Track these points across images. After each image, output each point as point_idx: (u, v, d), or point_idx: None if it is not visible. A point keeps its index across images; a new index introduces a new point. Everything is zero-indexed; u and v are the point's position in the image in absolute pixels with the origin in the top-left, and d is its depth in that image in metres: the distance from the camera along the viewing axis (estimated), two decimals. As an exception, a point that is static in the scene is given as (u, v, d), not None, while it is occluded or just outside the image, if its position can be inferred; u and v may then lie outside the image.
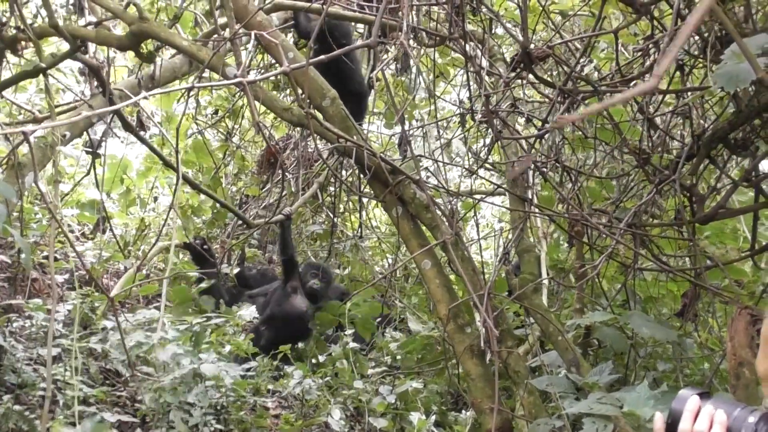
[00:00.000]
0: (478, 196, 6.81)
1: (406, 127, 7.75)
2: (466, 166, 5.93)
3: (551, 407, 4.57)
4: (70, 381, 4.58)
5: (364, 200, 8.68)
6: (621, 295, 5.62)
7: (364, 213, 9.05)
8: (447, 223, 4.86)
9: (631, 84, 4.80)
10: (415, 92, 7.93)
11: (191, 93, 7.19)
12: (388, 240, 8.91)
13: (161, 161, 6.09)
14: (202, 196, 7.57)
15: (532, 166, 5.31)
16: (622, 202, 5.35)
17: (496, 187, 6.35)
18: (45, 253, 5.93)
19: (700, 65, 4.75)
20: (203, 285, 6.41)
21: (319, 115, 4.93)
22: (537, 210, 5.57)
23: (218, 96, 8.71)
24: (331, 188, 8.80)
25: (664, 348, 5.40)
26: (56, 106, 5.81)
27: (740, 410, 2.07)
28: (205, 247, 6.96)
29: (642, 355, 5.35)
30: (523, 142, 5.46)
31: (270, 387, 5.55)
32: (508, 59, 5.72)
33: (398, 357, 6.42)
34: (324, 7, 4.59)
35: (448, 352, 5.45)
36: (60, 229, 4.76)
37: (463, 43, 5.00)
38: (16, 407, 4.40)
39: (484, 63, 5.49)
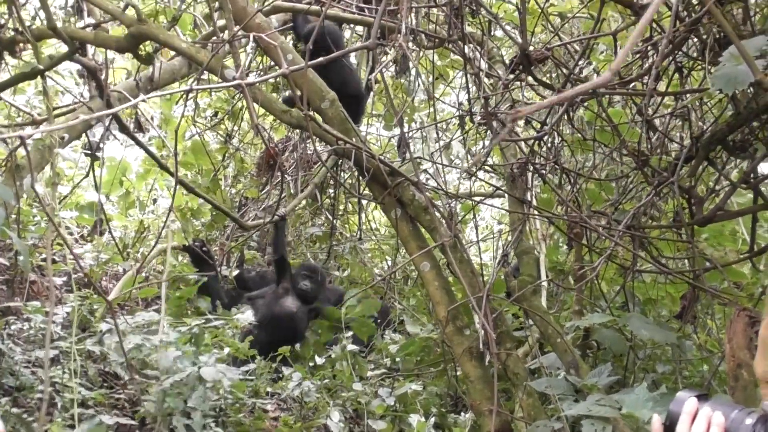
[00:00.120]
0: (477, 198, 6.80)
1: (405, 129, 7.75)
2: (465, 168, 5.92)
3: (550, 409, 4.57)
4: (68, 383, 4.57)
5: (364, 202, 8.68)
6: (620, 297, 5.62)
7: (363, 215, 9.05)
8: (446, 225, 4.85)
9: (630, 86, 4.80)
10: (414, 94, 7.93)
11: (190, 95, 7.19)
12: (388, 242, 8.90)
13: (158, 165, 6.09)
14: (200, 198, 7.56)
15: (531, 169, 5.31)
16: (621, 204, 5.35)
17: (495, 189, 6.34)
18: (43, 256, 5.93)
19: (699, 67, 4.75)
20: (200, 282, 6.41)
21: (319, 117, 4.93)
22: (536, 212, 5.57)
23: (218, 98, 8.70)
24: (330, 190, 8.80)
25: (663, 350, 5.40)
26: (55, 108, 5.80)
27: (738, 412, 2.07)
28: (204, 249, 6.96)
29: (641, 357, 5.35)
30: (522, 143, 5.46)
31: (269, 389, 5.54)
32: (507, 61, 5.71)
33: (397, 359, 6.42)
34: (323, 9, 4.59)
35: (447, 354, 5.44)
36: (57, 232, 4.75)
37: (462, 45, 5.00)
38: (14, 410, 4.40)
39: (483, 65, 5.49)
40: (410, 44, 5.84)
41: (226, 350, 5.30)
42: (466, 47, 5.07)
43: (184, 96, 6.97)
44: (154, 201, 8.94)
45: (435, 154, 6.65)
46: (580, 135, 5.76)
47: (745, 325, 3.59)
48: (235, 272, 7.43)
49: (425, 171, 5.74)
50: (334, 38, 6.29)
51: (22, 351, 4.97)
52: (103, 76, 5.50)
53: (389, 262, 8.63)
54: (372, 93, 8.04)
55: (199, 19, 6.82)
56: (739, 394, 3.51)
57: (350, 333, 5.99)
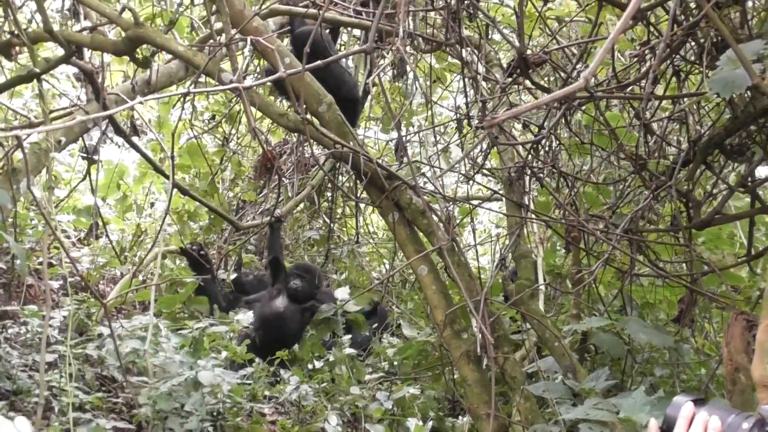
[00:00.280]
0: (474, 202, 6.80)
1: (403, 133, 7.75)
2: (463, 172, 5.91)
3: (548, 413, 4.57)
4: (65, 387, 4.56)
5: (361, 205, 8.68)
6: (618, 301, 5.61)
7: (360, 218, 9.06)
8: (443, 229, 4.85)
9: (627, 90, 4.80)
10: (411, 98, 7.93)
11: (187, 98, 7.19)
12: (385, 245, 8.90)
13: (153, 168, 6.08)
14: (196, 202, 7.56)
15: (529, 172, 5.31)
16: (619, 207, 5.34)
17: (492, 192, 6.34)
18: (40, 259, 5.92)
19: (696, 71, 4.75)
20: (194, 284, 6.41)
21: (316, 121, 4.92)
22: (534, 216, 5.56)
23: (215, 101, 8.71)
24: (328, 194, 8.80)
25: (660, 353, 5.39)
26: (51, 112, 5.80)
27: (735, 416, 2.07)
28: (201, 252, 6.95)
29: (639, 361, 5.34)
30: (520, 147, 5.46)
31: (266, 393, 5.53)
32: (505, 65, 5.71)
33: (395, 363, 6.41)
34: (320, 12, 4.59)
35: (445, 357, 5.44)
36: (54, 235, 4.75)
37: (459, 48, 5.00)
38: (11, 414, 4.39)
39: (481, 69, 5.49)
40: (408, 48, 5.84)
41: (224, 354, 5.30)
42: (463, 51, 5.07)
43: (182, 99, 6.96)
44: (152, 204, 8.95)
45: (433, 158, 6.65)
46: (577, 138, 5.76)
47: (742, 329, 3.58)
48: (233, 276, 7.42)
49: (423, 174, 5.73)
50: (327, 40, 6.29)
51: (19, 355, 4.96)
52: (99, 80, 5.49)
53: (387, 266, 8.63)
54: (370, 96, 8.05)
55: (196, 22, 6.82)
56: (737, 397, 3.50)
57: (348, 336, 5.98)
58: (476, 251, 6.52)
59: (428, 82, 7.03)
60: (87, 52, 5.69)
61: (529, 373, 5.16)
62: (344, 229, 9.28)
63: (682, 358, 5.30)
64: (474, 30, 5.82)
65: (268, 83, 6.27)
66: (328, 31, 7.13)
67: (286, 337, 6.47)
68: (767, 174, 5.08)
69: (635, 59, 5.00)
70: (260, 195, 8.67)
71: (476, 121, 5.25)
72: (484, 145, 5.83)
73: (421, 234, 4.99)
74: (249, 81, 6.36)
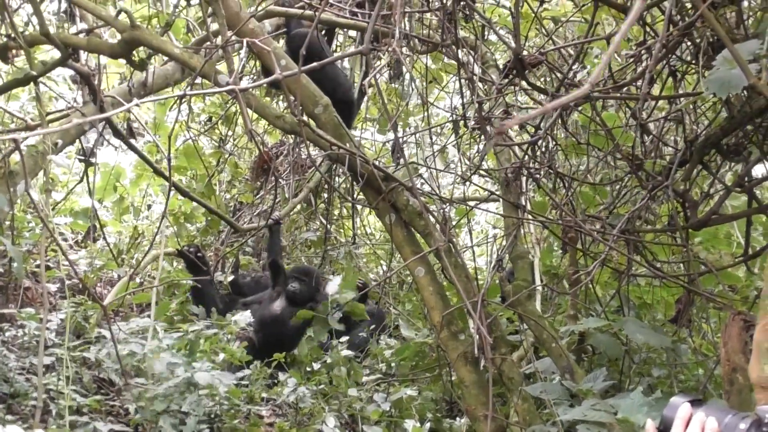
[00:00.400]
0: (471, 203, 6.80)
1: (400, 134, 7.75)
2: (459, 173, 5.92)
3: (545, 414, 4.57)
4: (62, 390, 4.56)
5: (358, 207, 8.68)
6: (615, 301, 5.61)
7: (358, 219, 9.05)
8: (440, 230, 4.85)
9: (624, 90, 4.80)
10: (408, 99, 7.94)
11: (183, 100, 7.18)
12: (382, 247, 8.90)
13: (152, 169, 6.08)
14: (196, 203, 7.55)
15: (525, 173, 5.31)
16: (616, 208, 5.35)
17: (489, 193, 6.34)
18: (37, 262, 5.92)
19: (693, 71, 4.75)
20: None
21: (312, 123, 4.92)
22: (530, 216, 5.56)
23: (211, 103, 8.71)
24: (325, 195, 8.80)
25: (658, 354, 5.39)
26: (48, 114, 5.79)
27: (732, 417, 2.07)
28: (198, 254, 6.95)
29: (636, 362, 5.34)
30: (516, 148, 5.46)
31: (264, 395, 5.53)
32: (501, 66, 5.71)
33: (392, 364, 6.41)
34: (316, 14, 4.59)
35: (442, 359, 5.43)
36: (51, 238, 4.74)
37: (455, 49, 4.99)
38: (9, 417, 4.39)
39: (477, 70, 5.49)
40: (404, 49, 5.84)
41: (222, 356, 5.30)
42: (459, 52, 5.07)
43: (178, 101, 6.96)
44: (149, 206, 8.94)
45: (429, 159, 6.65)
46: (574, 139, 5.76)
47: (740, 329, 3.59)
48: (230, 278, 7.42)
49: (420, 176, 5.74)
50: (315, 44, 6.30)
51: (17, 358, 4.95)
52: (96, 82, 5.49)
53: (384, 267, 8.63)
54: (366, 98, 8.05)
55: (192, 23, 6.82)
56: (735, 398, 3.51)
57: (345, 338, 5.98)
58: (473, 252, 6.54)
59: (424, 83, 7.03)
60: (83, 55, 5.69)
61: (526, 374, 5.16)
62: (341, 230, 9.28)
63: (680, 359, 5.30)
64: (470, 31, 5.82)
65: (264, 85, 6.27)
66: (324, 32, 7.13)
67: (285, 339, 6.46)
68: (764, 174, 5.08)
69: (631, 59, 5.00)
70: (257, 196, 8.67)
71: (472, 122, 5.25)
72: (482, 146, 5.83)
73: (418, 235, 4.99)
74: (245, 82, 6.37)
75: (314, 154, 6.89)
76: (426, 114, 6.52)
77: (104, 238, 7.12)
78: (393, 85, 8.17)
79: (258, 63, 7.33)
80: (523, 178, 5.48)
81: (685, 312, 5.18)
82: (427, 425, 5.35)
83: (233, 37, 4.87)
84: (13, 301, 5.81)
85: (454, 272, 4.67)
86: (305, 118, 4.80)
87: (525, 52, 4.83)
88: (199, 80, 5.32)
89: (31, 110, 7.47)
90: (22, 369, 4.90)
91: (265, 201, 8.52)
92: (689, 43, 4.51)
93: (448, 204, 5.48)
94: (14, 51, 5.44)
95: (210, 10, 5.23)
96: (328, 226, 8.70)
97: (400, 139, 6.97)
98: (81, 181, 6.73)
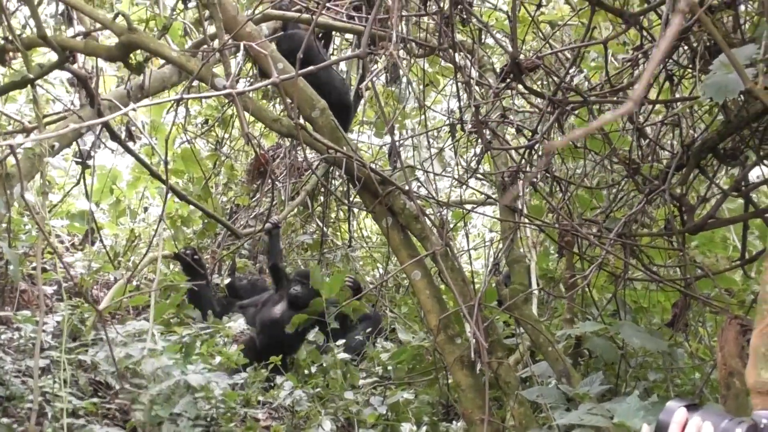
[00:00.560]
0: (468, 207, 6.80)
1: (396, 137, 7.75)
2: (456, 177, 5.92)
3: (542, 418, 4.57)
4: (58, 393, 4.56)
5: (355, 210, 8.68)
6: (611, 305, 5.61)
7: (354, 222, 9.05)
8: (437, 234, 4.85)
9: (620, 94, 4.80)
10: (405, 102, 7.93)
11: (180, 103, 7.18)
12: (379, 250, 8.90)
13: (149, 172, 6.08)
14: (192, 206, 7.56)
15: (522, 177, 5.31)
16: (612, 211, 5.35)
17: (486, 197, 6.34)
18: (34, 265, 5.91)
19: (689, 75, 4.76)
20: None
21: (309, 126, 4.92)
22: (527, 220, 5.57)
23: (208, 106, 8.71)
24: (321, 198, 8.80)
25: (654, 358, 5.39)
26: (45, 117, 5.79)
27: (728, 422, 2.07)
28: (195, 257, 6.94)
29: (633, 366, 5.35)
30: (513, 152, 5.46)
31: (260, 398, 5.53)
32: (498, 69, 5.71)
33: (389, 367, 6.40)
34: (313, 17, 4.59)
35: (439, 362, 5.43)
36: (47, 241, 4.74)
37: (452, 53, 5.00)
38: (4, 420, 4.38)
39: (474, 73, 5.49)
40: (401, 52, 5.84)
41: (218, 359, 5.29)
42: (456, 55, 5.07)
43: (175, 104, 6.96)
44: (145, 209, 8.94)
45: (426, 163, 6.65)
46: (570, 143, 5.76)
47: (736, 334, 3.59)
48: (227, 280, 7.41)
49: (417, 179, 5.73)
50: (311, 48, 6.30)
51: (12, 360, 4.94)
52: (93, 85, 5.49)
53: (381, 270, 8.63)
54: (363, 101, 8.05)
55: (189, 26, 6.82)
56: (731, 402, 3.51)
57: (341, 341, 5.97)
58: (470, 256, 6.53)
59: (421, 87, 7.03)
60: (81, 58, 5.69)
61: (522, 378, 5.16)
62: (338, 233, 9.28)
63: (676, 363, 5.30)
64: (467, 34, 5.82)
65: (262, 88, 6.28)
66: (320, 36, 7.13)
67: (285, 342, 6.46)
68: (760, 177, 5.08)
69: (628, 63, 5.00)
70: (253, 199, 8.67)
71: (469, 126, 5.26)
72: (478, 150, 5.83)
73: (414, 239, 4.99)
74: (242, 85, 6.37)
75: (311, 158, 6.90)
76: (423, 117, 6.52)
77: (101, 241, 7.11)
78: (390, 88, 8.17)
79: (255, 66, 7.32)
80: (520, 182, 5.48)
81: (681, 316, 5.18)
82: (424, 429, 5.35)
83: (230, 41, 4.88)
84: (10, 304, 5.80)
85: (451, 276, 4.67)
86: (302, 121, 4.80)
87: (522, 56, 4.83)
88: (196, 83, 5.32)
89: (28, 113, 7.46)
90: (18, 372, 4.89)
91: (261, 204, 8.52)
92: (686, 48, 4.52)
93: (444, 207, 5.47)
94: (11, 53, 5.44)
95: (207, 13, 5.23)
96: (325, 229, 8.70)
97: (397, 143, 6.97)
98: (78, 183, 6.73)
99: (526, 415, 4.55)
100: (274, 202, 7.71)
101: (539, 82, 5.78)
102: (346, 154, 4.78)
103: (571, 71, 5.14)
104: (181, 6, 6.72)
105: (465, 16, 5.21)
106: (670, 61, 4.63)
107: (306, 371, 5.93)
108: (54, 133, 4.51)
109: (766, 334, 2.70)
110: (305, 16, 6.09)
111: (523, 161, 5.25)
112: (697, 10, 3.44)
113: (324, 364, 5.81)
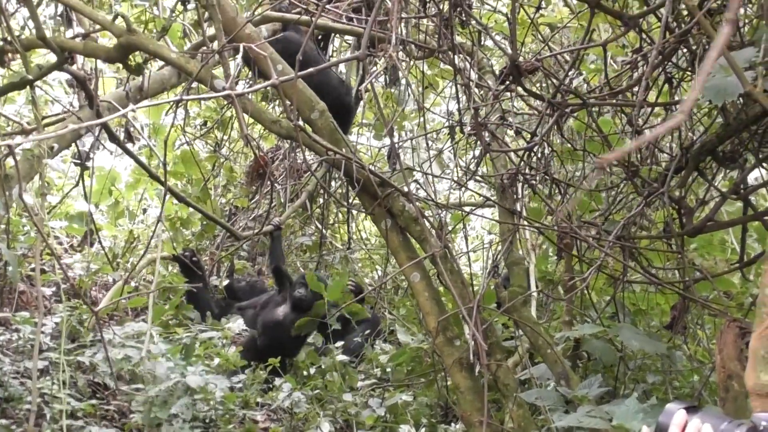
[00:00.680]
0: (467, 209, 6.79)
1: (396, 139, 7.75)
2: (455, 179, 5.92)
3: (540, 420, 4.57)
4: (57, 394, 4.56)
5: (354, 212, 8.68)
6: (610, 308, 5.61)
7: (353, 224, 9.05)
8: (436, 236, 4.85)
9: (619, 97, 4.81)
10: (404, 104, 7.93)
11: (179, 105, 7.18)
12: (378, 251, 8.90)
13: (148, 174, 6.07)
14: (191, 208, 7.56)
15: (521, 179, 5.31)
16: (611, 214, 5.35)
17: (485, 199, 6.33)
18: (33, 266, 5.91)
19: (689, 78, 4.76)
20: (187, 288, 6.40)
21: (308, 128, 4.92)
22: (526, 222, 5.56)
23: (207, 107, 8.71)
24: (320, 200, 8.80)
25: (653, 360, 5.39)
26: (44, 118, 5.79)
27: (727, 424, 2.06)
28: (194, 259, 6.94)
29: (631, 368, 5.34)
30: (512, 154, 5.46)
31: (259, 400, 5.53)
32: (497, 72, 5.71)
33: (388, 369, 6.40)
34: (312, 19, 4.59)
35: (438, 364, 5.43)
36: (46, 242, 4.74)
37: (452, 55, 5.00)
38: (3, 421, 4.39)
39: (473, 75, 5.49)
40: (400, 55, 5.84)
41: (217, 361, 5.29)
42: (456, 57, 5.07)
43: (174, 106, 6.96)
44: (144, 211, 8.94)
45: (425, 164, 6.65)
46: (570, 145, 5.76)
47: (735, 336, 3.58)
48: (225, 282, 7.41)
49: (416, 181, 5.73)
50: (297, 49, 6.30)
51: (11, 362, 4.95)
52: (92, 86, 5.48)
53: (380, 272, 8.62)
54: (362, 103, 8.05)
55: (189, 28, 6.82)
56: (730, 405, 3.50)
57: (340, 343, 5.97)
58: (469, 258, 6.52)
59: (420, 89, 7.03)
60: (80, 59, 5.68)
61: (521, 380, 5.16)
62: (337, 235, 9.28)
63: (675, 365, 5.30)
64: (466, 37, 5.82)
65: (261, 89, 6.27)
66: (319, 38, 7.13)
67: (287, 344, 6.46)
68: (759, 180, 5.08)
69: (627, 66, 5.00)
70: (252, 201, 8.67)
71: (468, 128, 5.25)
72: (477, 152, 5.83)
73: (413, 241, 4.99)
74: (241, 87, 6.37)
75: (310, 159, 6.89)
76: (422, 119, 6.52)
77: (100, 242, 7.11)
78: (389, 90, 8.17)
79: (251, 67, 7.32)
80: (519, 184, 5.48)
81: (680, 318, 5.18)
82: (422, 431, 5.35)
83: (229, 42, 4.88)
84: (8, 305, 5.80)
85: (450, 278, 4.67)
86: (301, 123, 4.80)
87: (521, 58, 4.83)
88: (195, 85, 5.32)
89: (27, 114, 7.46)
90: (16, 373, 4.90)
91: (260, 205, 8.52)
92: (685, 50, 4.52)
93: (443, 210, 5.47)
94: (10, 54, 5.44)
95: (206, 15, 5.23)
96: (324, 231, 8.70)
97: (396, 145, 6.97)
98: (76, 185, 6.73)
99: (524, 418, 4.55)
100: (273, 204, 7.71)
101: (538, 85, 5.79)
102: (345, 156, 4.78)
103: (570, 73, 5.14)
104: (180, 7, 6.72)
105: (464, 19, 5.21)
106: (670, 63, 4.63)
107: (305, 373, 5.93)
108: (53, 134, 4.50)
109: (765, 337, 2.70)
110: (305, 18, 6.09)
111: (522, 163, 5.25)
112: (697, 12, 3.44)
113: (323, 366, 5.82)
